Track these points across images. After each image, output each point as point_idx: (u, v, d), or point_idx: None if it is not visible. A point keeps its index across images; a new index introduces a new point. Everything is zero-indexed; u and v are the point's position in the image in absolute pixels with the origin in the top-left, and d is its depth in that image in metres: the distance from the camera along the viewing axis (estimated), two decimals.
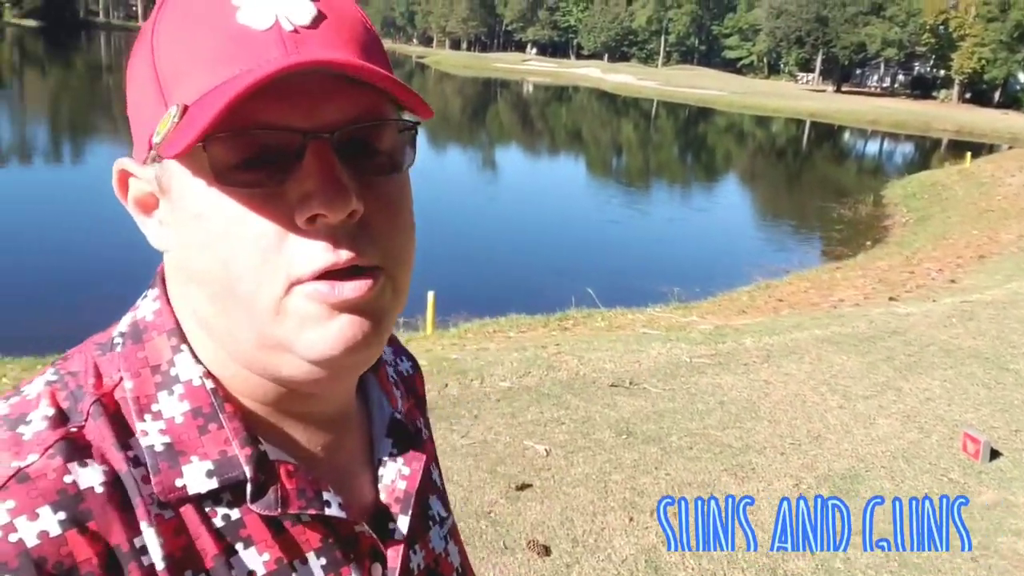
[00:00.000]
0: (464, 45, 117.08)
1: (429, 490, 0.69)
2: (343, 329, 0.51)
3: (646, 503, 3.56)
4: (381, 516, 0.61)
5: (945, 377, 5.30)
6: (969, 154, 22.64)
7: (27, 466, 0.48)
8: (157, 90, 0.51)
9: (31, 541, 0.46)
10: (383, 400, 0.66)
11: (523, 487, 3.59)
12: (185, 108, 0.49)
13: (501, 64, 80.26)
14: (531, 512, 3.40)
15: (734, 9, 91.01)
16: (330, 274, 0.50)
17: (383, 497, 0.62)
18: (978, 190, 18.08)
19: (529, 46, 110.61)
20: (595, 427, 4.25)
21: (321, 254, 0.50)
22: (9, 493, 0.47)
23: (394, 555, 0.60)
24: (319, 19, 0.51)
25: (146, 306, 0.58)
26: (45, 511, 0.47)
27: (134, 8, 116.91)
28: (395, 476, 0.62)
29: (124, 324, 0.57)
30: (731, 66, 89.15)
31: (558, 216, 16.24)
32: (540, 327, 7.29)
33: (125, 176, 0.56)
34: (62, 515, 0.47)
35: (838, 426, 4.48)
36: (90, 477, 0.49)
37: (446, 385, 4.60)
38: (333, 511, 0.55)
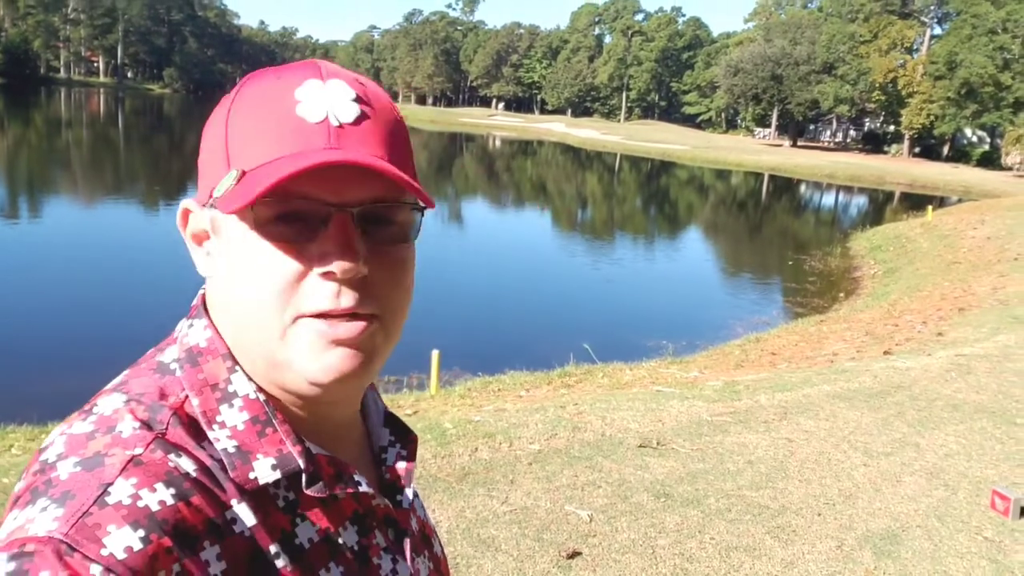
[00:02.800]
0: (430, 100, 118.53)
1: None
2: (336, 361, 0.62)
3: (697, 569, 3.54)
4: (387, 490, 0.74)
5: (958, 432, 5.39)
6: (931, 207, 23.36)
7: (139, 454, 0.58)
8: (224, 154, 0.63)
9: (154, 507, 0.55)
10: (376, 397, 0.80)
11: (573, 555, 3.55)
12: (243, 173, 0.60)
13: (467, 119, 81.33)
14: None
15: (692, 67, 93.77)
16: (332, 316, 0.61)
17: (389, 475, 0.75)
18: (942, 242, 18.62)
19: (495, 101, 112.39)
20: (632, 490, 4.23)
21: (325, 300, 0.61)
22: (130, 472, 0.56)
23: (404, 519, 0.73)
24: (361, 118, 0.63)
25: (196, 334, 0.67)
26: (160, 486, 0.56)
27: (95, 65, 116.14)
28: (396, 457, 0.76)
29: (175, 351, 0.67)
30: (690, 121, 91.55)
31: (539, 270, 16.34)
32: (544, 384, 7.27)
33: (187, 213, 0.68)
34: (172, 490, 0.57)
35: (867, 485, 4.51)
36: (186, 465, 0.59)
37: (476, 449, 4.55)
38: (363, 488, 0.68)
